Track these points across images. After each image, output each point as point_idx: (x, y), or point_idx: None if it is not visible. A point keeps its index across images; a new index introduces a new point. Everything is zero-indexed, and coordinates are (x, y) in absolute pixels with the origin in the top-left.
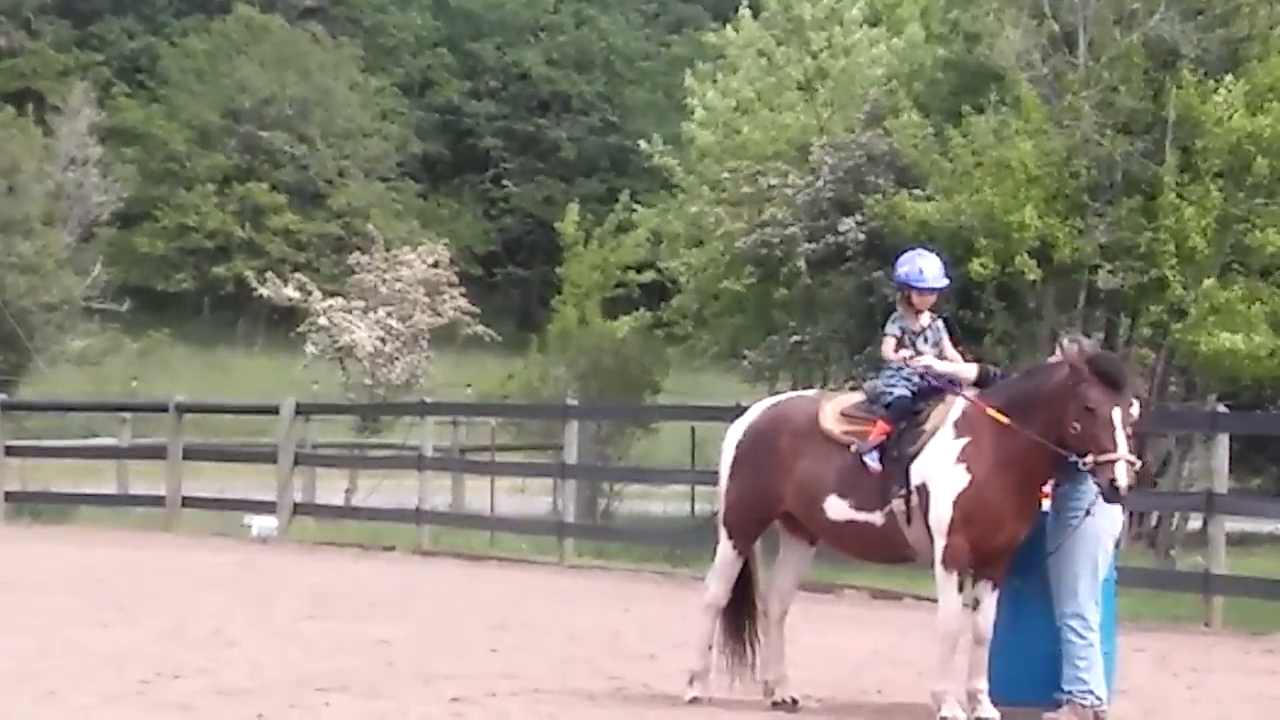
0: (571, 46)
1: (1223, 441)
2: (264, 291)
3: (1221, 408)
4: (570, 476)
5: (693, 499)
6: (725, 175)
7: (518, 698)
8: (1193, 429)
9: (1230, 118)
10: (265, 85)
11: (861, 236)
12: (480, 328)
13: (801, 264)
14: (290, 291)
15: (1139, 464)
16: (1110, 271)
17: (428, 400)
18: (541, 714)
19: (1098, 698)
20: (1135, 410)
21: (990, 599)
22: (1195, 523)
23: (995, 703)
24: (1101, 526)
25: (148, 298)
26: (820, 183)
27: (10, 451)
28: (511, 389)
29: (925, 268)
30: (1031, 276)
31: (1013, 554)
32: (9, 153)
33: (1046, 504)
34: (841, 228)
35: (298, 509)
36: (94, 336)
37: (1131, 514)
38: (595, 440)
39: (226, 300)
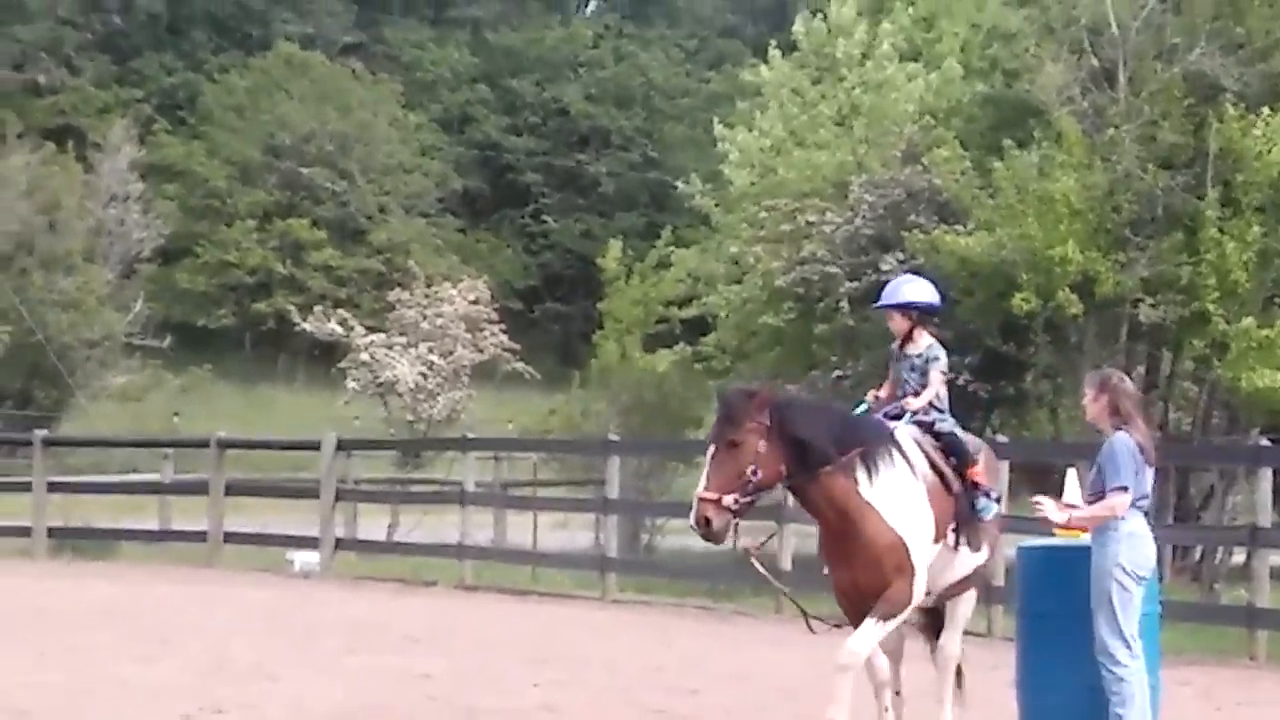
0: (611, 82)
1: (1266, 476)
2: (306, 327)
3: (1265, 442)
4: (612, 511)
5: (735, 534)
6: (763, 215)
7: None
8: (1236, 463)
9: (1270, 151)
10: (305, 121)
11: (903, 273)
12: (520, 364)
13: (844, 303)
14: (332, 327)
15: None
16: (1152, 306)
17: (470, 435)
18: None
19: None
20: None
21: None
22: (1239, 557)
23: None
24: (1112, 561)
25: (189, 334)
26: (859, 220)
27: (52, 487)
28: (553, 424)
29: (889, 288)
30: (1073, 311)
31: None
32: (50, 190)
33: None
34: (883, 265)
35: (339, 544)
36: (135, 373)
37: (1175, 548)
38: (637, 475)
39: (267, 336)
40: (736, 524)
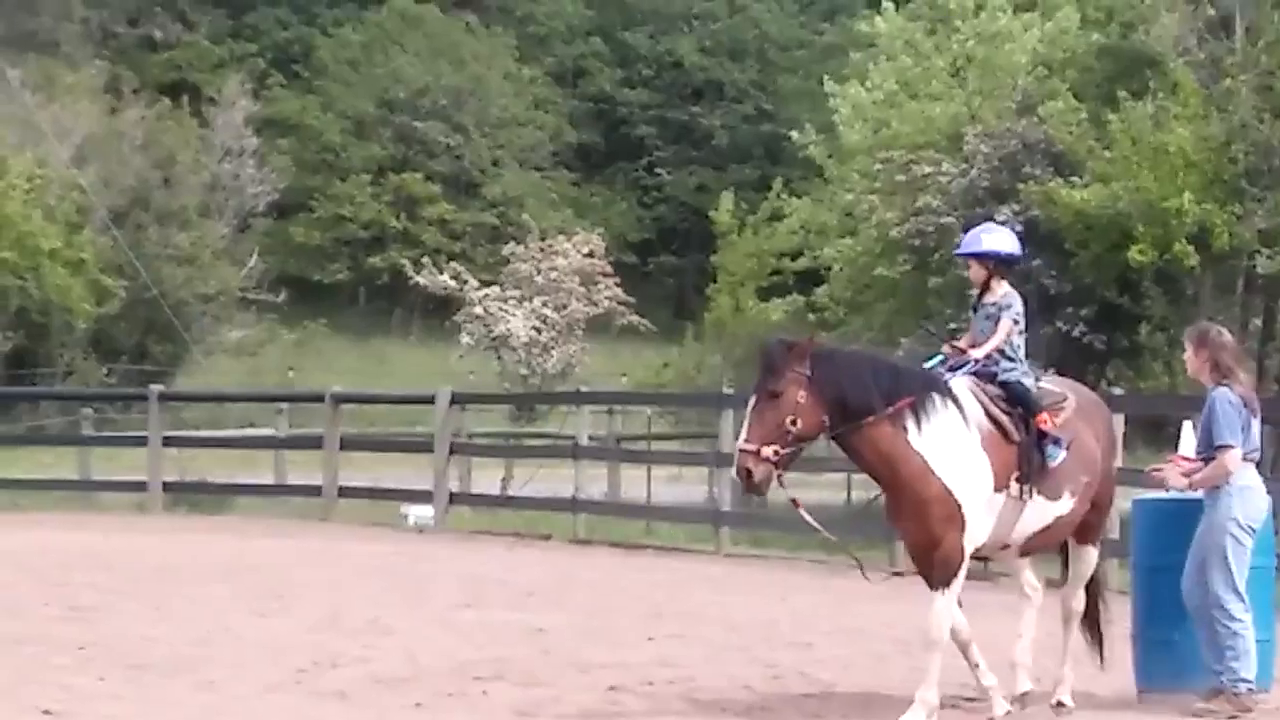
0: (725, 34)
1: None
2: (420, 281)
3: None
4: (725, 465)
5: (849, 486)
6: (877, 166)
7: (674, 686)
8: None
9: None
10: (419, 75)
11: (1019, 225)
12: (634, 317)
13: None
14: (446, 280)
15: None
16: (1269, 257)
17: (583, 389)
18: (698, 703)
19: (1251, 685)
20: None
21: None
22: None
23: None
24: (1225, 516)
25: (303, 288)
26: (974, 171)
27: (168, 442)
28: (667, 378)
29: (968, 236)
30: (1190, 263)
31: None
32: (165, 145)
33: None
34: (999, 217)
35: (454, 498)
36: (250, 327)
37: None
38: None
39: (382, 290)
40: (780, 475)
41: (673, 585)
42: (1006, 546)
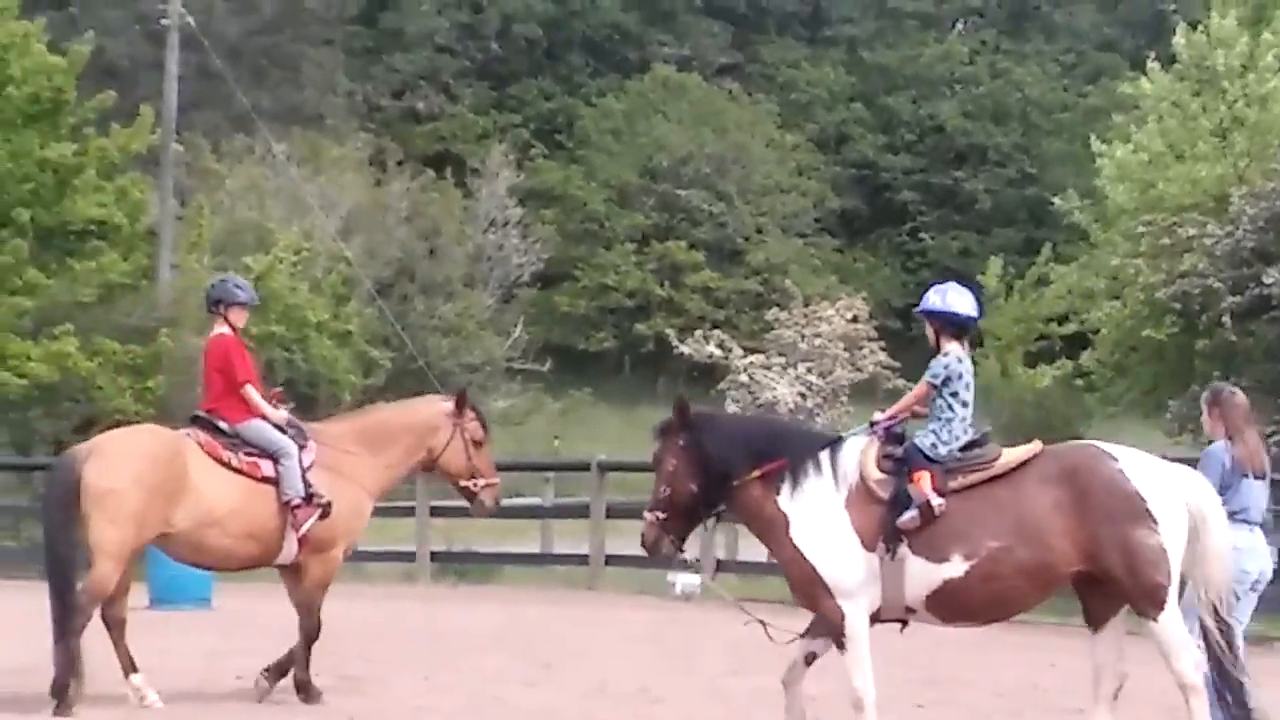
0: (987, 98)
1: None
2: (684, 349)
3: None
4: None
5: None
6: (1142, 229)
7: None
8: None
9: None
10: (682, 143)
11: None
12: (900, 381)
13: (1226, 316)
14: (711, 349)
15: None
16: None
17: None
18: None
19: None
20: None
21: None
22: None
23: None
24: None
25: (569, 357)
26: (1240, 232)
27: (435, 512)
28: None
29: (926, 294)
30: None
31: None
32: (430, 216)
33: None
34: (1266, 279)
35: (720, 565)
36: (516, 396)
37: None
38: None
39: (647, 358)
40: (671, 539)
41: (940, 650)
42: (911, 610)
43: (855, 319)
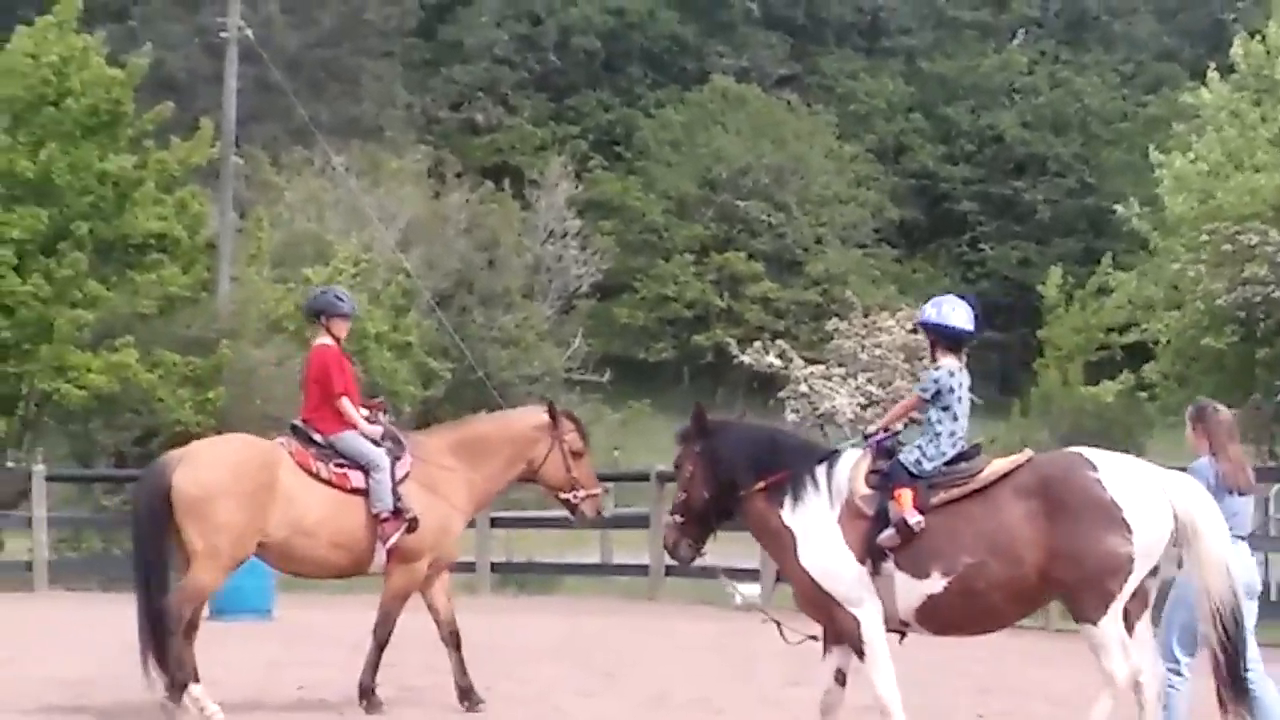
0: (1047, 108)
1: None
2: (744, 359)
3: None
4: None
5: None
6: (1203, 238)
7: None
8: None
9: None
10: (741, 154)
11: None
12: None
13: None
14: (771, 359)
15: None
16: None
17: None
18: None
19: None
20: None
21: None
22: None
23: None
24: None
25: (628, 368)
26: None
27: (495, 523)
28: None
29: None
30: None
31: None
32: (488, 227)
33: None
34: None
35: (780, 576)
36: (575, 407)
37: None
38: None
39: (706, 369)
40: (689, 543)
41: (999, 660)
42: (906, 624)
43: (915, 329)
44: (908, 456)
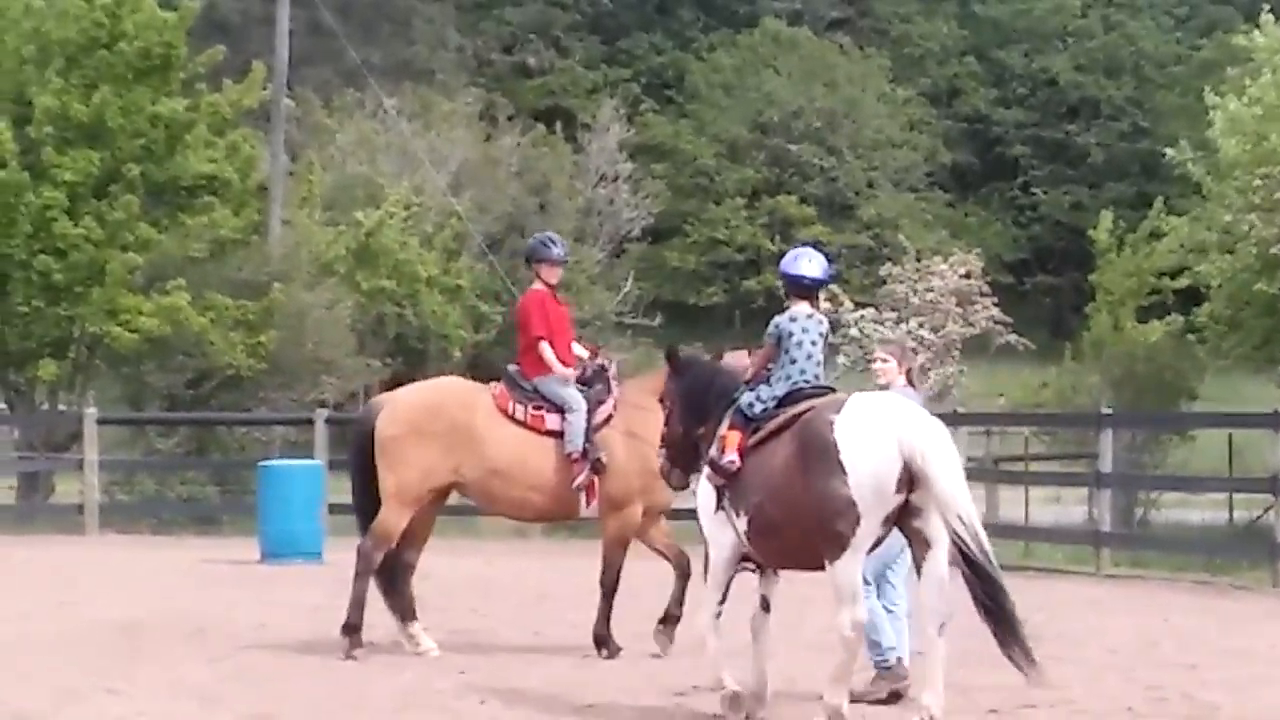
0: (1100, 52)
1: None
2: None
3: None
4: (1106, 485)
5: (1231, 506)
6: (1256, 182)
7: (1054, 709)
8: None
9: None
10: (793, 98)
11: None
12: (1013, 337)
13: None
14: (823, 302)
15: None
16: None
17: (960, 410)
18: None
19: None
20: None
21: None
22: None
23: None
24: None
25: (679, 312)
26: None
27: None
28: (1045, 398)
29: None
30: None
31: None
32: (539, 171)
33: None
34: None
35: None
36: (627, 351)
37: None
38: (1130, 448)
39: (757, 313)
40: (675, 471)
41: (1052, 607)
42: (748, 559)
43: (968, 274)
44: (745, 399)
